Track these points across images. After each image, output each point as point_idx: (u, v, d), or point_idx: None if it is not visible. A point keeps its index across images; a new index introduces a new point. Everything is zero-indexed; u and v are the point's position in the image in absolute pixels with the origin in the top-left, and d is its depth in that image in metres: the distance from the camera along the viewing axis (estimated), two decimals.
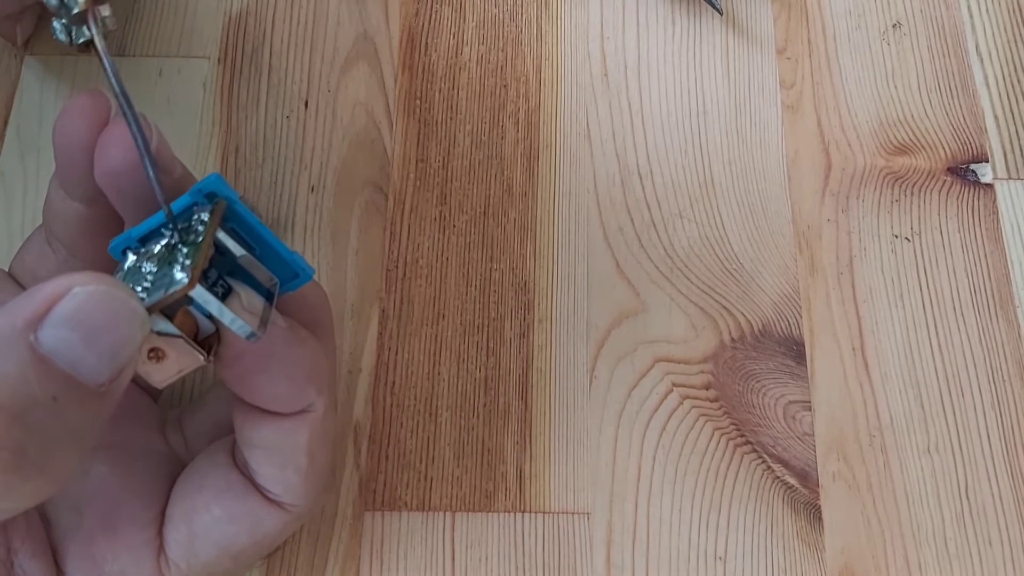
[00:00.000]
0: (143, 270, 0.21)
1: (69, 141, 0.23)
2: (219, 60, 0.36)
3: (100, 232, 0.25)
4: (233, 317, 0.21)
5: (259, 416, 0.24)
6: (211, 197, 0.22)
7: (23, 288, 0.26)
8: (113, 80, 0.21)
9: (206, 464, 0.26)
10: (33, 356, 0.18)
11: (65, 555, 0.24)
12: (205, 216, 0.21)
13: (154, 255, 0.21)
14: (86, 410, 0.19)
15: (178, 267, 0.20)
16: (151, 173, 0.21)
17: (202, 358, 0.22)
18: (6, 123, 0.35)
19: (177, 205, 0.22)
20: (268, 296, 0.23)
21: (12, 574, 0.23)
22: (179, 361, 0.22)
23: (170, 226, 0.22)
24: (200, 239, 0.21)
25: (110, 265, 0.26)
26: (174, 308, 0.21)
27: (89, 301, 0.18)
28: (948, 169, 0.35)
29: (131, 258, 0.22)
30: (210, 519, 0.25)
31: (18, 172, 0.35)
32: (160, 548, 0.25)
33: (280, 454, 0.24)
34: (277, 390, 0.23)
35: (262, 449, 0.24)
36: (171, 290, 0.20)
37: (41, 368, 0.18)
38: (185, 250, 0.21)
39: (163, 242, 0.22)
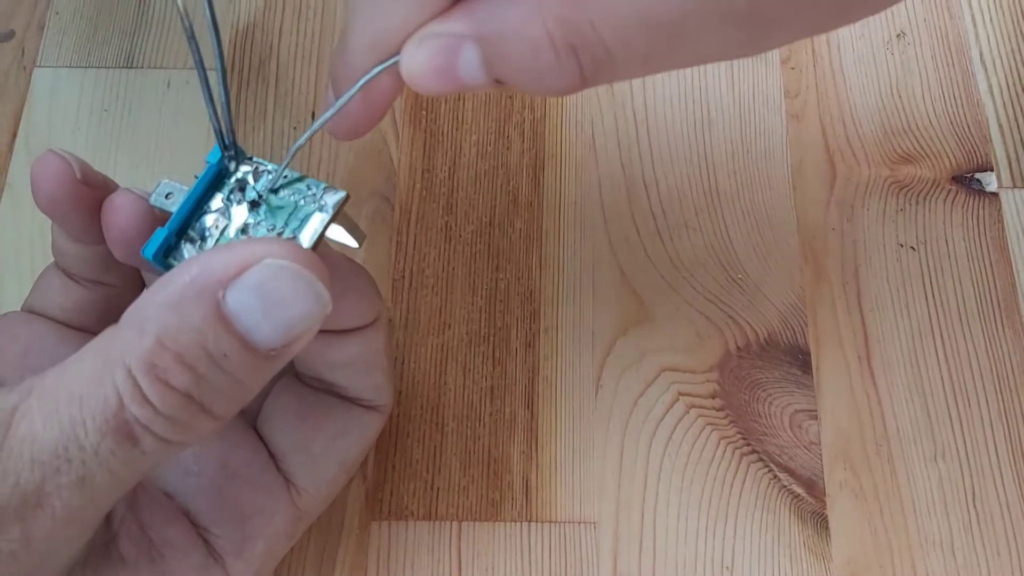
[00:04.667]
0: (259, 230, 0.22)
1: (52, 202, 0.24)
2: (227, 72, 0.37)
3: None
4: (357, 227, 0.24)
5: (342, 337, 0.25)
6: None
7: (54, 321, 0.27)
8: None
9: (290, 400, 0.27)
10: (217, 312, 0.19)
11: (200, 514, 0.25)
12: (267, 165, 0.23)
13: (239, 218, 0.22)
14: (252, 369, 0.20)
15: (318, 195, 0.22)
16: (221, 106, 0.22)
17: None
18: (15, 134, 0.36)
19: (206, 176, 0.23)
20: None
21: (153, 547, 0.24)
22: None
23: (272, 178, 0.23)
24: (300, 179, 0.23)
25: (139, 278, 0.26)
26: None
27: (279, 276, 0.20)
28: (953, 178, 0.35)
29: (189, 248, 0.23)
30: (325, 439, 0.27)
31: (27, 183, 0.34)
32: (286, 481, 0.26)
33: (365, 363, 0.26)
34: (361, 304, 0.25)
35: (349, 365, 0.26)
36: (333, 211, 0.22)
37: (220, 325, 0.19)
38: (298, 184, 0.23)
39: (224, 207, 0.23)
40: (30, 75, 0.37)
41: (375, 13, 0.21)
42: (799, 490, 0.31)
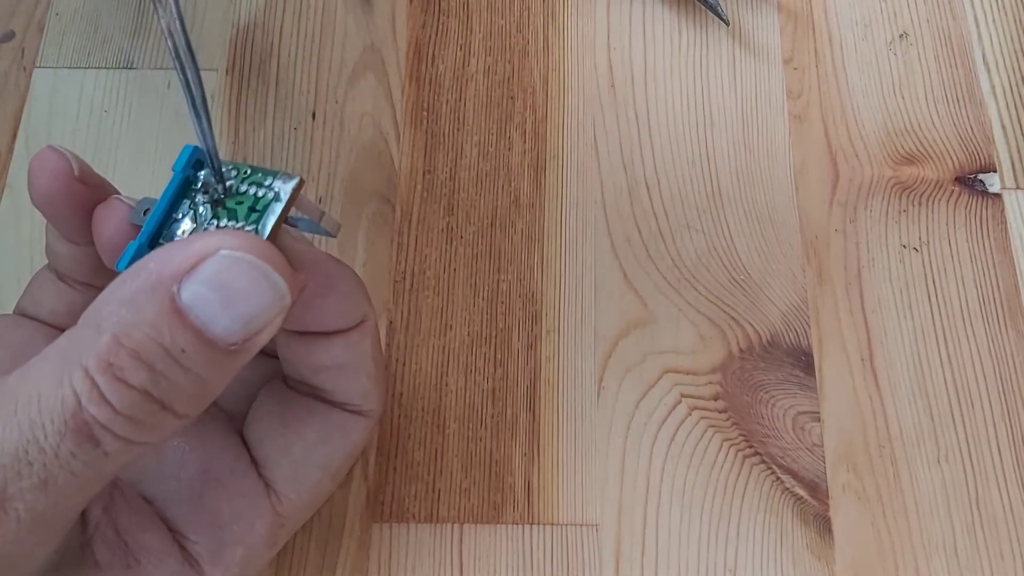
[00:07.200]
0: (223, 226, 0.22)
1: (48, 198, 0.24)
2: (227, 72, 0.37)
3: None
4: (326, 215, 0.23)
5: (325, 339, 0.25)
6: (198, 166, 0.23)
7: (44, 324, 0.27)
8: None
9: (274, 405, 0.27)
10: (171, 307, 0.19)
11: (178, 520, 0.25)
12: (232, 169, 0.23)
13: (205, 220, 0.22)
14: (213, 364, 0.20)
15: (272, 184, 0.22)
16: (200, 121, 0.22)
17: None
18: (15, 135, 0.36)
19: (172, 185, 0.23)
20: None
21: (129, 552, 0.23)
22: None
23: (202, 189, 0.23)
24: (256, 171, 0.22)
25: None
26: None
27: (233, 267, 0.19)
28: (956, 179, 0.35)
29: None
30: (306, 445, 0.26)
31: (26, 183, 0.35)
32: (267, 487, 0.26)
33: (351, 367, 0.26)
34: (344, 305, 0.24)
35: (334, 368, 0.26)
36: (287, 196, 0.22)
37: (176, 320, 0.19)
38: (255, 176, 0.22)
39: (192, 212, 0.22)
40: (30, 76, 0.37)
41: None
42: (802, 492, 0.31)
